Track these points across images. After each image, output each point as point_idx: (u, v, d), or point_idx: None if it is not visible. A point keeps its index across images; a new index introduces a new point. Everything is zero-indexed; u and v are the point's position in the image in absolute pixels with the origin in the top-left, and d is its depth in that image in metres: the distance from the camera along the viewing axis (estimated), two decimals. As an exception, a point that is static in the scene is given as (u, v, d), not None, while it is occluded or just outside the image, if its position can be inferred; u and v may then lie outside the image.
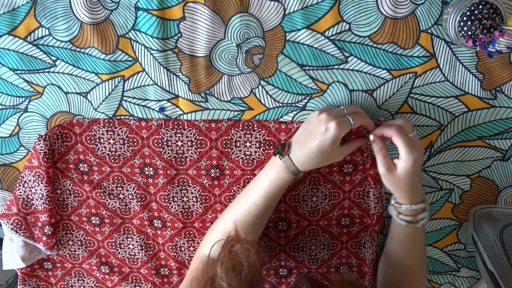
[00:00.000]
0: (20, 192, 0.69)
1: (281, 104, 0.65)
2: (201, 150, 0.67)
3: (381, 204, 0.68)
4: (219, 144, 0.67)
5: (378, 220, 0.68)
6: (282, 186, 0.61)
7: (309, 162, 0.59)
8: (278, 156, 0.60)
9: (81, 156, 0.68)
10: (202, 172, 0.68)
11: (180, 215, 0.71)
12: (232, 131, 0.66)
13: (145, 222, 0.72)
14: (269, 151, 0.66)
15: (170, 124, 0.66)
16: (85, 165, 0.69)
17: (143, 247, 0.73)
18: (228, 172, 0.68)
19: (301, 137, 0.59)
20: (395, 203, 0.64)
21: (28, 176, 0.68)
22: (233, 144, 0.67)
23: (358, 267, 0.73)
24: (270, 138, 0.66)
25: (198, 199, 0.70)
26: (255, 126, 0.66)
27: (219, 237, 0.62)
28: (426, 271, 0.72)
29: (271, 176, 0.61)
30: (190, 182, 0.69)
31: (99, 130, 0.67)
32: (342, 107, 0.60)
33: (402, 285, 0.66)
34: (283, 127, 0.65)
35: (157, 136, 0.67)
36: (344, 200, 0.69)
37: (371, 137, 0.61)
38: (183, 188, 0.69)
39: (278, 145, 0.61)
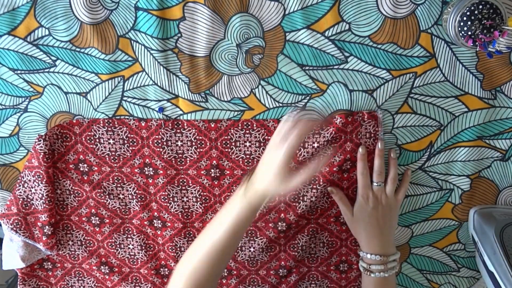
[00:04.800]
0: (20, 192, 0.69)
1: (281, 104, 0.65)
2: (201, 150, 0.67)
3: None
4: (218, 144, 0.67)
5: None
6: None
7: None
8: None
9: (81, 156, 0.68)
10: (202, 172, 0.68)
11: (180, 215, 0.71)
12: (232, 131, 0.66)
13: (145, 222, 0.72)
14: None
15: (170, 124, 0.66)
16: (85, 165, 0.69)
17: (143, 247, 0.73)
18: (228, 172, 0.68)
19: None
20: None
21: (28, 176, 0.68)
22: (233, 144, 0.67)
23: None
24: (269, 138, 0.66)
25: (198, 199, 0.70)
26: (255, 125, 0.66)
27: (187, 277, 0.58)
28: None
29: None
30: (190, 182, 0.69)
31: (99, 130, 0.67)
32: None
33: None
34: None
35: (157, 136, 0.67)
36: None
37: (329, 188, 0.66)
38: (183, 188, 0.69)
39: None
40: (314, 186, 0.68)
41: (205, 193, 0.70)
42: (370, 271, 0.63)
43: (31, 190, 0.69)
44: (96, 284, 0.77)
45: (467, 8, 0.55)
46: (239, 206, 0.56)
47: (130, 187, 0.70)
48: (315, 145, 0.65)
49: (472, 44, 0.56)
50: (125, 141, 0.67)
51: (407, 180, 0.67)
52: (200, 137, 0.66)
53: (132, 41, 0.63)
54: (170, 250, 0.73)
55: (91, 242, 0.74)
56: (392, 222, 0.66)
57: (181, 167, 0.68)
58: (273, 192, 0.56)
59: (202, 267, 0.57)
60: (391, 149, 0.66)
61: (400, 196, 0.66)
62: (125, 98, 0.66)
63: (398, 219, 0.69)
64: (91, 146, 0.68)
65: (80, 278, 0.76)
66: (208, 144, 0.67)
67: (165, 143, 0.67)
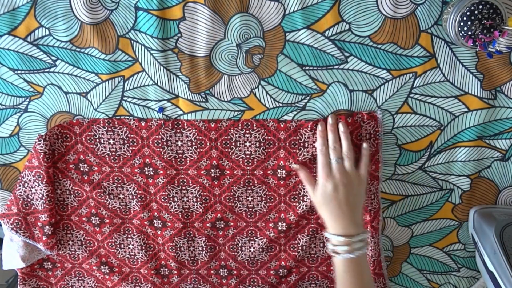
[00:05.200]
0: (20, 192, 0.69)
1: (281, 104, 0.65)
2: (201, 150, 0.67)
3: (377, 201, 0.68)
4: (218, 144, 0.67)
5: (375, 217, 0.68)
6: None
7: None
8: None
9: (81, 156, 0.68)
10: (202, 172, 0.68)
11: (180, 215, 0.71)
12: (232, 131, 0.66)
13: (145, 222, 0.72)
14: (268, 150, 0.66)
15: (170, 124, 0.66)
16: (85, 165, 0.69)
17: (143, 247, 0.73)
18: (228, 172, 0.68)
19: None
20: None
21: (28, 176, 0.68)
22: (233, 144, 0.67)
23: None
24: (269, 137, 0.66)
25: (198, 199, 0.70)
26: (254, 125, 0.66)
27: None
28: None
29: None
30: (190, 182, 0.69)
31: (99, 130, 0.67)
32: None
33: None
34: (282, 125, 0.65)
35: (157, 136, 0.67)
36: None
37: (294, 166, 0.66)
38: (183, 188, 0.69)
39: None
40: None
41: (205, 193, 0.70)
42: (336, 252, 0.61)
43: (31, 190, 0.69)
44: (96, 284, 0.77)
45: (467, 8, 0.55)
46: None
47: (130, 187, 0.70)
48: (316, 144, 0.65)
49: (472, 44, 0.56)
50: (125, 141, 0.67)
51: (366, 153, 0.64)
52: (200, 137, 0.66)
53: (132, 41, 0.63)
54: (170, 250, 0.73)
55: (91, 242, 0.74)
56: (356, 200, 0.63)
57: (181, 167, 0.68)
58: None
59: None
60: (340, 122, 0.64)
61: (362, 171, 0.63)
62: (125, 98, 0.66)
63: (365, 195, 0.65)
64: (91, 146, 0.68)
65: (80, 278, 0.76)
66: (208, 144, 0.67)
67: (165, 143, 0.67)
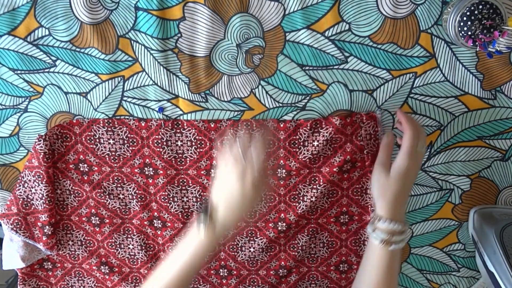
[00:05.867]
0: (20, 192, 0.69)
1: (281, 104, 0.65)
2: (201, 150, 0.67)
3: None
4: (218, 144, 0.67)
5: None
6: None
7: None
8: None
9: (81, 156, 0.68)
10: (202, 172, 0.68)
11: (180, 215, 0.71)
12: (231, 131, 0.66)
13: (145, 222, 0.72)
14: (268, 150, 0.66)
15: (170, 124, 0.66)
16: (85, 165, 0.69)
17: (143, 247, 0.73)
18: (228, 172, 0.68)
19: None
20: (373, 217, 0.60)
21: (28, 176, 0.68)
22: (233, 144, 0.67)
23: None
24: (269, 137, 0.66)
25: (198, 199, 0.70)
26: (254, 125, 0.66)
27: None
28: None
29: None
30: (190, 182, 0.69)
31: (99, 130, 0.67)
32: (237, 148, 0.56)
33: None
34: (281, 125, 0.65)
35: (156, 136, 0.67)
36: (343, 198, 0.69)
37: (389, 132, 0.61)
38: (183, 188, 0.69)
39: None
40: (314, 186, 0.68)
41: (205, 193, 0.70)
42: (389, 242, 0.57)
43: (31, 190, 0.69)
44: (96, 284, 0.77)
45: (467, 8, 0.55)
46: (199, 245, 0.56)
47: (130, 187, 0.70)
48: (315, 143, 0.65)
49: (472, 44, 0.56)
50: (125, 141, 0.67)
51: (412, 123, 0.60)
52: (200, 137, 0.66)
53: (132, 41, 0.63)
54: (170, 250, 0.73)
55: (91, 242, 0.74)
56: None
57: (181, 167, 0.68)
58: (240, 221, 0.56)
59: None
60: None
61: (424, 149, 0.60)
62: (125, 98, 0.66)
63: None
64: (91, 146, 0.68)
65: (80, 278, 0.76)
66: (208, 144, 0.67)
67: (165, 143, 0.67)
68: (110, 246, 0.74)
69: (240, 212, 0.56)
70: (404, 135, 0.59)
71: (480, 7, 0.55)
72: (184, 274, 0.57)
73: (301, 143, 0.66)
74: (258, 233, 0.72)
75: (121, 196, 0.71)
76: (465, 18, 0.55)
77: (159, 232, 0.72)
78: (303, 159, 0.66)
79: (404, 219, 0.60)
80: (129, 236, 0.73)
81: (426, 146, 0.58)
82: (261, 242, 0.72)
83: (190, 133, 0.66)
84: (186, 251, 0.57)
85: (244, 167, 0.54)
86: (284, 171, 0.67)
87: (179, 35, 0.62)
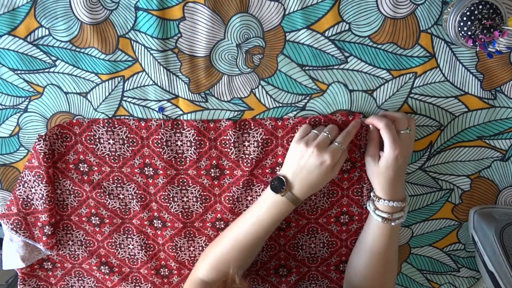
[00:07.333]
0: (20, 192, 0.69)
1: (281, 104, 0.65)
2: (201, 150, 0.67)
3: None
4: (218, 143, 0.67)
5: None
6: (283, 217, 0.64)
7: (311, 191, 0.62)
8: (279, 193, 0.61)
9: (81, 156, 0.68)
10: (202, 172, 0.68)
11: (180, 215, 0.71)
12: (230, 131, 0.66)
13: (145, 222, 0.72)
14: (267, 149, 0.66)
15: (169, 124, 0.66)
16: (85, 165, 0.69)
17: (143, 247, 0.73)
18: (228, 172, 0.68)
19: (298, 173, 0.61)
20: (373, 196, 0.64)
21: (28, 176, 0.68)
22: (232, 144, 0.67)
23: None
24: (267, 137, 0.66)
25: (198, 199, 0.70)
26: (252, 125, 0.66)
27: (214, 263, 0.65)
28: (396, 272, 0.71)
29: (275, 212, 0.62)
30: (190, 182, 0.69)
31: (98, 130, 0.67)
32: (325, 133, 0.61)
33: (370, 284, 0.65)
34: (279, 123, 0.65)
35: (156, 136, 0.67)
36: (343, 198, 0.69)
37: (370, 126, 0.62)
38: (183, 188, 0.69)
39: (274, 182, 0.62)
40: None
41: (205, 193, 0.70)
42: (391, 219, 0.62)
43: (31, 190, 0.69)
44: (96, 284, 0.77)
45: (467, 8, 0.55)
46: (276, 206, 0.62)
47: (130, 187, 0.70)
48: None
49: (472, 44, 0.56)
50: (125, 141, 0.67)
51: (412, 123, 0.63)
52: (200, 137, 0.66)
53: (132, 41, 0.63)
54: (170, 250, 0.73)
55: (91, 242, 0.74)
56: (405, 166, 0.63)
57: (181, 167, 0.68)
58: (312, 193, 0.63)
59: (226, 258, 0.64)
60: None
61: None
62: (125, 98, 0.66)
63: None
64: (91, 146, 0.68)
65: (80, 278, 0.76)
66: (207, 144, 0.67)
67: (165, 143, 0.67)
68: (110, 246, 0.74)
69: (316, 187, 0.61)
70: (380, 132, 0.60)
71: (480, 7, 0.55)
72: (269, 232, 0.64)
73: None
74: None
75: (121, 196, 0.71)
76: (465, 18, 0.55)
77: (159, 232, 0.72)
78: None
79: (404, 194, 0.63)
80: (129, 236, 0.73)
81: (409, 124, 0.61)
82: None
83: (189, 133, 0.66)
84: (270, 215, 0.62)
85: (326, 156, 0.59)
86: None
87: (179, 35, 0.62)
